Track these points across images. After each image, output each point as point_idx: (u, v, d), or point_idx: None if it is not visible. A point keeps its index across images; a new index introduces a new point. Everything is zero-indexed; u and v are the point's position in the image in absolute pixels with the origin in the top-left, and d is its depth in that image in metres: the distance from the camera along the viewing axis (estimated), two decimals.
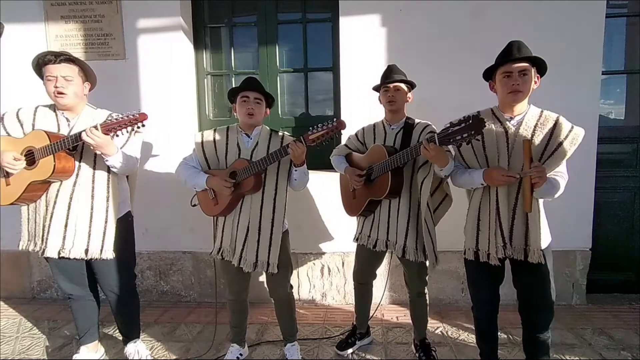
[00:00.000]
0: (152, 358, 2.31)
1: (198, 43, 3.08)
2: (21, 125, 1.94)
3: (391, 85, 2.03)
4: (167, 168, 2.89)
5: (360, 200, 2.12)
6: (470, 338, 2.47)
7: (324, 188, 2.84)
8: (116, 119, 1.77)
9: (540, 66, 1.72)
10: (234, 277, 2.10)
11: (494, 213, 1.75)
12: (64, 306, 3.00)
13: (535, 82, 1.73)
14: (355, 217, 2.26)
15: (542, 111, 1.74)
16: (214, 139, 2.08)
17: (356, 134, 2.25)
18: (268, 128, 2.11)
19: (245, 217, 1.99)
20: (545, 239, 1.75)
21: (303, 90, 3.12)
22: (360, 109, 2.77)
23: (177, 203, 2.63)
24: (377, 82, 2.13)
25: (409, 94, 2.09)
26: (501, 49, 1.77)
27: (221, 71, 3.17)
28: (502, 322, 2.00)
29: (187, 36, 2.99)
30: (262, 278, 2.92)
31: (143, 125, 1.79)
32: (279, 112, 3.12)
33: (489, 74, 1.81)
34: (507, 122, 1.75)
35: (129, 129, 1.80)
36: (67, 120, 1.96)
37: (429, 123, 2.05)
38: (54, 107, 1.98)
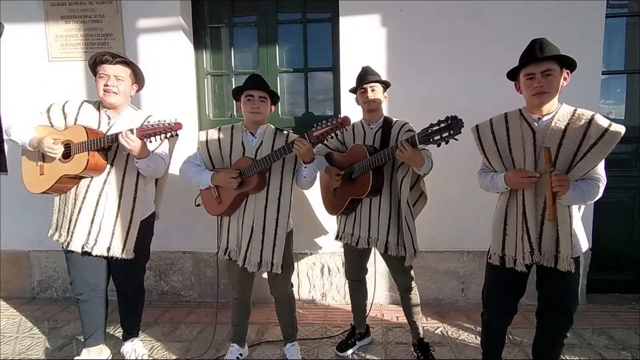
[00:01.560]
0: (150, 357, 2.31)
1: (198, 43, 3.08)
2: (65, 117, 2.02)
3: (367, 86, 2.07)
4: None
5: (342, 199, 2.14)
6: (470, 338, 2.47)
7: None
8: (152, 125, 1.83)
9: (569, 62, 1.61)
10: (239, 276, 2.10)
11: (520, 217, 1.67)
12: (64, 306, 3.01)
13: (565, 79, 1.63)
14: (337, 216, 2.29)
15: (575, 110, 1.63)
16: (219, 137, 2.08)
17: (335, 134, 2.27)
18: (273, 127, 2.11)
19: (249, 216, 1.99)
20: (581, 246, 1.67)
21: (303, 90, 3.12)
22: (360, 109, 2.76)
23: (177, 203, 2.62)
24: None
25: (385, 93, 2.14)
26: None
27: (221, 71, 3.17)
28: None
29: (187, 36, 2.99)
30: (262, 278, 2.92)
31: (177, 135, 1.86)
32: (279, 112, 3.12)
33: (513, 75, 1.71)
34: (535, 123, 1.66)
35: (163, 136, 1.85)
36: (109, 117, 2.03)
37: (407, 121, 2.10)
38: (98, 104, 2.05)
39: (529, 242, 1.65)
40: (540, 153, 1.61)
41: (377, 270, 2.49)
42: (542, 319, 1.79)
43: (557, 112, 1.64)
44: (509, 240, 1.72)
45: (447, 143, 1.69)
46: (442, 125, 1.67)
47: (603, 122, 1.57)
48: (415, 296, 2.20)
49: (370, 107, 2.09)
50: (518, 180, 1.62)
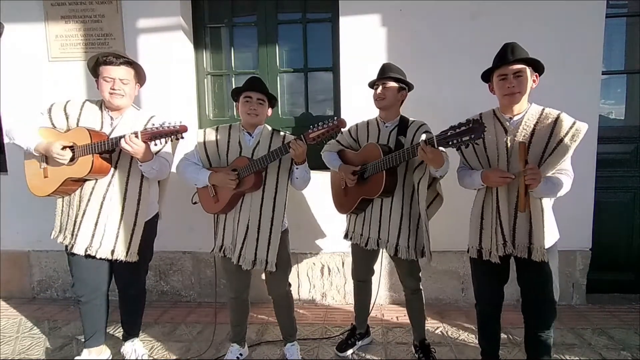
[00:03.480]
0: (150, 357, 2.31)
1: (198, 43, 3.08)
2: (67, 118, 1.99)
3: (380, 82, 2.04)
4: None
5: (352, 198, 2.13)
6: (470, 338, 2.47)
7: (324, 188, 2.82)
8: (157, 128, 1.80)
9: (537, 65, 1.72)
10: (235, 275, 2.10)
11: (495, 211, 1.77)
12: (64, 306, 3.01)
13: (534, 81, 1.74)
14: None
15: (543, 109, 1.74)
16: (216, 136, 2.09)
17: (349, 130, 2.25)
18: (270, 127, 2.11)
19: (245, 215, 2.00)
20: (551, 238, 1.74)
21: (303, 90, 3.12)
22: (360, 109, 2.76)
23: (177, 203, 2.62)
24: None
25: (402, 93, 2.07)
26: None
27: (221, 71, 3.17)
28: (502, 322, 1.99)
29: (187, 36, 2.99)
30: (262, 278, 2.92)
31: (182, 137, 1.82)
32: (279, 112, 3.12)
33: (487, 76, 1.82)
34: (507, 123, 1.76)
35: (168, 138, 1.82)
36: (111, 118, 2.01)
37: (424, 122, 2.05)
38: (100, 105, 2.03)
39: (502, 234, 1.75)
40: (512, 150, 1.72)
41: (380, 271, 2.48)
42: (527, 312, 1.86)
43: (527, 112, 1.74)
44: (485, 234, 1.81)
45: (467, 147, 1.64)
46: (463, 128, 1.58)
47: (568, 120, 1.68)
48: (421, 299, 2.20)
49: (379, 105, 2.06)
50: (495, 180, 1.71)
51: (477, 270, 1.93)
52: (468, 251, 1.89)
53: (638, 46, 2.87)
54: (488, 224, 1.80)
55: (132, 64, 1.98)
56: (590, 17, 2.61)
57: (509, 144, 1.73)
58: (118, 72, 1.92)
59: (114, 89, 1.92)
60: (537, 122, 1.71)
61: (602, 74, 2.74)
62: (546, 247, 1.70)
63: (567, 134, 1.65)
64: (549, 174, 1.68)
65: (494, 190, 1.77)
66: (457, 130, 1.60)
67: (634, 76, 2.91)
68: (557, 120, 1.68)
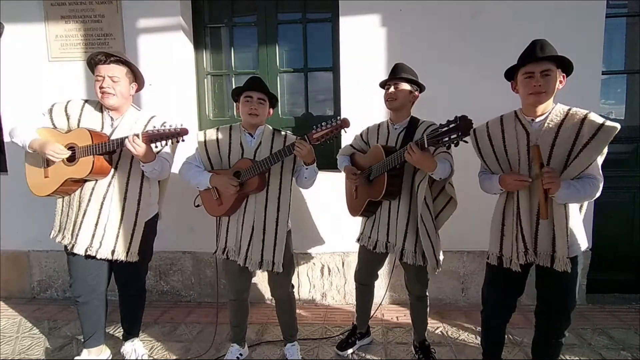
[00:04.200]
0: (150, 357, 2.31)
1: (198, 43, 3.08)
2: (67, 118, 1.99)
3: (391, 82, 2.02)
4: None
5: (361, 200, 2.12)
6: (470, 338, 2.47)
7: (324, 188, 2.84)
8: (158, 130, 1.81)
9: (566, 65, 1.63)
10: (237, 276, 2.10)
11: (515, 217, 1.69)
12: (64, 306, 3.01)
13: (561, 82, 1.65)
14: (357, 217, 2.26)
15: (569, 109, 1.64)
16: (217, 138, 2.08)
17: (361, 134, 2.25)
18: (271, 127, 2.11)
19: (249, 216, 2.00)
20: (577, 246, 1.66)
21: (303, 90, 3.12)
22: (360, 109, 2.77)
23: (178, 203, 2.63)
24: (378, 81, 2.13)
25: (414, 94, 2.04)
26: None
27: (221, 71, 3.17)
28: None
29: (187, 36, 2.99)
30: (262, 278, 2.92)
31: (183, 140, 1.83)
32: (279, 112, 3.12)
33: (510, 74, 1.73)
34: (529, 125, 1.68)
35: (168, 141, 1.83)
36: (112, 119, 2.01)
37: (434, 122, 2.01)
38: (100, 105, 2.03)
39: (523, 242, 1.67)
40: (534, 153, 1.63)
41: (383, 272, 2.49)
42: (541, 317, 1.81)
43: (551, 113, 1.65)
44: (506, 241, 1.74)
45: (456, 145, 1.59)
46: (451, 126, 1.55)
47: (596, 120, 1.57)
48: (426, 305, 2.19)
49: (390, 106, 2.03)
50: (510, 183, 1.64)
51: (493, 278, 1.85)
52: (488, 257, 1.82)
53: (638, 46, 2.87)
54: (509, 231, 1.73)
55: (124, 62, 1.96)
56: (590, 17, 2.60)
57: (530, 147, 1.65)
58: (107, 70, 1.91)
59: (102, 87, 1.91)
60: (561, 123, 1.60)
61: (602, 74, 2.74)
62: (571, 255, 1.61)
63: (594, 135, 1.53)
64: (574, 178, 1.59)
65: (515, 195, 1.69)
66: (445, 128, 1.56)
67: (634, 76, 2.91)
68: (584, 120, 1.57)
